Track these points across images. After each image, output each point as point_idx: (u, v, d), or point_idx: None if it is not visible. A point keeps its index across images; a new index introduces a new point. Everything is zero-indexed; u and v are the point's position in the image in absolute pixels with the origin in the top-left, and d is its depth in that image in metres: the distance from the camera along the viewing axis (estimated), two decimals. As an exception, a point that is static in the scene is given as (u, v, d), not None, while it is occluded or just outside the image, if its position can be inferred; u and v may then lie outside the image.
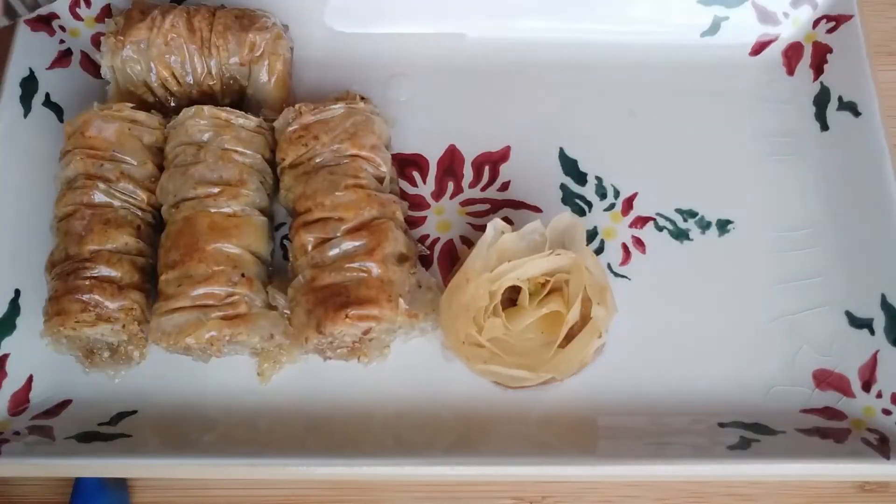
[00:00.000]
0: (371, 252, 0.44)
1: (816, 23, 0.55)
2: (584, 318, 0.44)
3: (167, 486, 0.47)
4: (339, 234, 0.44)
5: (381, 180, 0.47)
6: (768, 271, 0.49)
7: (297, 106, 0.48)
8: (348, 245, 0.44)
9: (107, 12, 0.55)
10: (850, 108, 0.51)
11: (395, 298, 0.43)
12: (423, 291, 0.45)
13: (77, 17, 0.55)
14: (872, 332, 0.46)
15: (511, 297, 0.46)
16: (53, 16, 0.55)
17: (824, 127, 0.52)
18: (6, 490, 0.48)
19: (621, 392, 0.46)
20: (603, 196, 0.51)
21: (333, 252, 0.44)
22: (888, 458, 0.41)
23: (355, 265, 0.43)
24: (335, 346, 0.44)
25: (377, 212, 0.45)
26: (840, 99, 0.52)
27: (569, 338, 0.44)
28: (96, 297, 0.43)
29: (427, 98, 0.54)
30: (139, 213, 0.47)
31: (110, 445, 0.43)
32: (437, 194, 0.52)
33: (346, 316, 0.42)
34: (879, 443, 0.42)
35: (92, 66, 0.55)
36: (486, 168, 0.52)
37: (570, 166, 0.52)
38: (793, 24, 0.55)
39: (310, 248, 0.45)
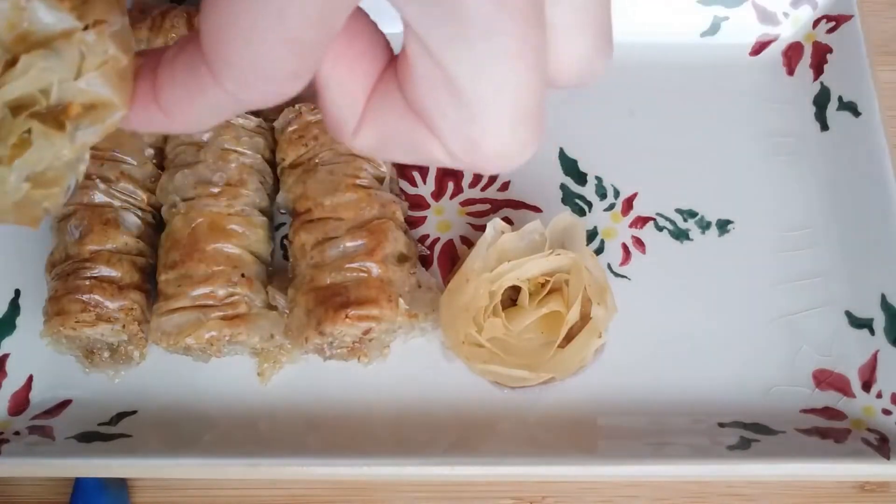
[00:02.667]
0: (371, 252, 0.44)
1: (816, 23, 0.55)
2: (584, 318, 0.44)
3: (167, 486, 0.47)
4: (338, 235, 0.44)
5: (381, 180, 0.47)
6: (768, 271, 0.49)
7: (297, 106, 0.48)
8: (348, 245, 0.44)
9: (107, 12, 0.55)
10: (850, 108, 0.51)
11: (395, 298, 0.43)
12: (423, 291, 0.45)
13: (77, 17, 0.55)
14: (872, 332, 0.46)
15: (511, 297, 0.46)
16: (53, 16, 0.54)
17: (824, 127, 0.52)
18: (6, 490, 0.48)
19: (621, 392, 0.46)
20: (603, 196, 0.51)
21: (333, 252, 0.44)
22: (888, 458, 0.41)
23: (355, 265, 0.43)
24: (335, 346, 0.44)
25: (377, 212, 0.45)
26: (840, 99, 0.52)
27: (569, 338, 0.44)
28: (96, 297, 0.43)
29: (427, 98, 0.54)
30: (139, 213, 0.47)
31: (110, 445, 0.43)
32: (437, 194, 0.52)
33: (346, 316, 0.42)
34: (879, 443, 0.42)
35: (92, 66, 0.55)
36: (486, 168, 0.52)
37: (570, 166, 0.52)
38: (793, 24, 0.55)
39: (309, 248, 0.45)
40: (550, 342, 0.44)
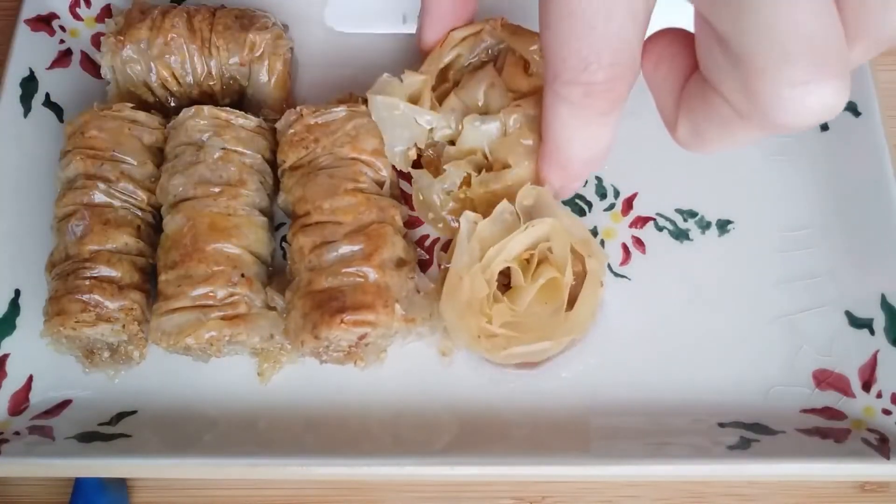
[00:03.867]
0: (368, 257, 0.44)
1: (817, 22, 0.54)
2: (578, 275, 0.44)
3: (167, 486, 0.47)
4: (336, 238, 0.44)
5: (381, 184, 0.47)
6: (768, 271, 0.49)
7: (298, 108, 0.48)
8: (346, 249, 0.44)
9: (107, 12, 0.55)
10: (850, 108, 0.51)
11: (391, 304, 0.43)
12: (420, 296, 0.45)
13: (77, 17, 0.55)
14: (872, 332, 0.46)
15: (502, 282, 0.46)
16: (53, 16, 0.55)
17: (824, 127, 0.52)
18: (6, 490, 0.48)
19: (621, 392, 0.46)
20: (603, 196, 0.51)
21: (331, 256, 0.44)
22: (888, 458, 0.41)
23: (352, 269, 0.43)
24: (331, 350, 0.44)
25: (376, 216, 0.45)
26: (840, 99, 0.52)
27: (571, 299, 0.44)
28: (96, 297, 0.44)
29: (427, 98, 0.54)
30: (139, 213, 0.47)
31: (110, 445, 0.43)
32: (437, 194, 0.52)
33: (342, 321, 0.42)
34: (879, 443, 0.42)
35: (92, 66, 0.55)
36: (486, 168, 0.52)
37: (570, 166, 0.52)
38: (793, 24, 0.55)
39: (307, 251, 0.45)
40: (557, 309, 0.44)
